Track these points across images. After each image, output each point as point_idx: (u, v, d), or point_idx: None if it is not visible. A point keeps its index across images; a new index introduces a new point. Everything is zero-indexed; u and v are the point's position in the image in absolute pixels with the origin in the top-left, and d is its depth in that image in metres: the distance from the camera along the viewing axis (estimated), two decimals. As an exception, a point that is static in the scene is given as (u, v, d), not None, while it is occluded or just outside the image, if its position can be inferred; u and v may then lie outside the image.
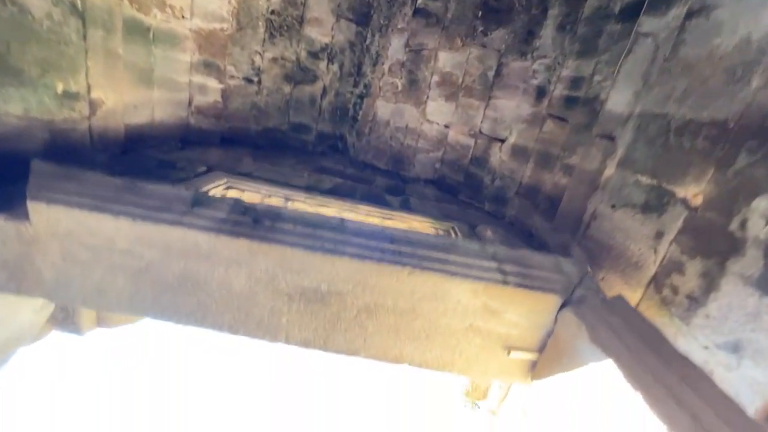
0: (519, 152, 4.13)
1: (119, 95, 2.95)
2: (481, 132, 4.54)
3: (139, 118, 3.25)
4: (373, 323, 1.83)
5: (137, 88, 3.16)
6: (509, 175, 4.23)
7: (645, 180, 2.43)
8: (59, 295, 1.84)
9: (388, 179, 4.96)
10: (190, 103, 3.83)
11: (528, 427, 3.22)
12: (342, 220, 1.91)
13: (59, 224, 1.69)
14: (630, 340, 1.47)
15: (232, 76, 4.10)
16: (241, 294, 1.80)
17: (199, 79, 3.83)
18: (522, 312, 1.77)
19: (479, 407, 8.18)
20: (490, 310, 1.77)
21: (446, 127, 4.81)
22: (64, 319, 3.17)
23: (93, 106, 2.72)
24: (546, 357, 1.82)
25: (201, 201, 1.85)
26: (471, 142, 4.64)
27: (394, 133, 5.13)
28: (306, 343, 1.90)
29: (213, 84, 3.96)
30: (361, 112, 5.02)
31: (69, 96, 2.52)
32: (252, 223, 1.79)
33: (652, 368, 1.32)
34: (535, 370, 1.90)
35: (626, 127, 2.76)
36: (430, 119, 4.90)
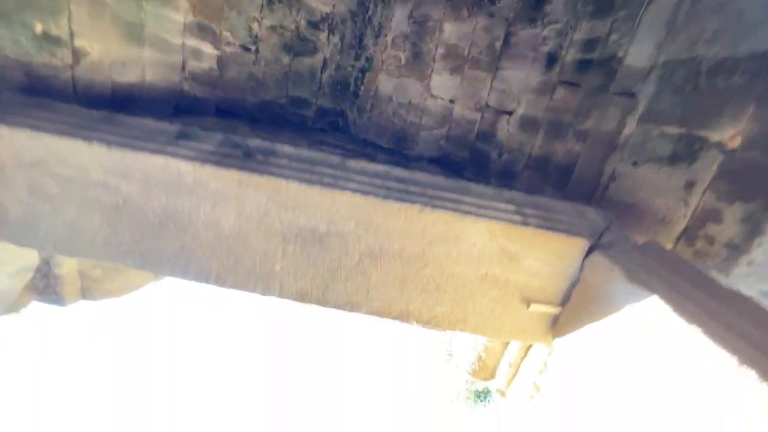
0: (528, 123, 3.94)
1: (106, 48, 2.76)
2: (487, 105, 4.36)
3: (129, 77, 3.07)
4: (377, 271, 1.64)
5: (126, 43, 2.98)
6: (518, 148, 4.04)
7: (672, 130, 2.26)
8: (27, 238, 1.64)
9: (390, 157, 4.78)
10: (183, 68, 3.65)
11: (540, 407, 3.02)
12: (343, 158, 1.72)
13: (25, 151, 1.50)
14: (673, 279, 1.28)
15: (228, 43, 3.92)
16: (230, 235, 1.61)
17: (193, 42, 3.64)
18: (544, 257, 1.58)
19: (483, 401, 7.93)
20: (508, 255, 1.58)
21: (451, 102, 4.63)
22: (45, 287, 2.97)
23: (76, 54, 2.53)
24: (570, 310, 1.63)
25: (187, 134, 1.66)
26: (477, 116, 4.46)
27: (396, 109, 4.95)
28: (302, 296, 1.71)
29: (208, 49, 3.78)
30: (362, 87, 4.84)
31: (49, 39, 2.33)
32: (243, 156, 1.60)
33: (703, 303, 1.14)
34: (556, 326, 1.71)
35: (648, 80, 2.59)
36: (435, 94, 4.72)
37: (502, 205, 1.64)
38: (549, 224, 1.58)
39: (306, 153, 1.72)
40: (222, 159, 1.54)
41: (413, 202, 1.52)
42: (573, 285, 1.62)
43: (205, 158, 1.51)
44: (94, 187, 1.54)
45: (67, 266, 2.90)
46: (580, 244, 1.56)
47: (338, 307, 1.72)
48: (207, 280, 1.70)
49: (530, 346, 2.94)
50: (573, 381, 1.52)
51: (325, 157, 1.72)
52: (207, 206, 1.56)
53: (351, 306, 1.71)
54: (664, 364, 1.07)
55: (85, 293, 3.09)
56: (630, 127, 2.64)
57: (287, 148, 1.73)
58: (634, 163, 2.49)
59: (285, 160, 1.63)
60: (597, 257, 1.51)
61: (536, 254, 1.58)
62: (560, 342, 1.66)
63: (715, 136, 1.96)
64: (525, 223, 1.55)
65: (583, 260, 1.58)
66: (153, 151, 1.48)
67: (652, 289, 1.20)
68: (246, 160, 1.57)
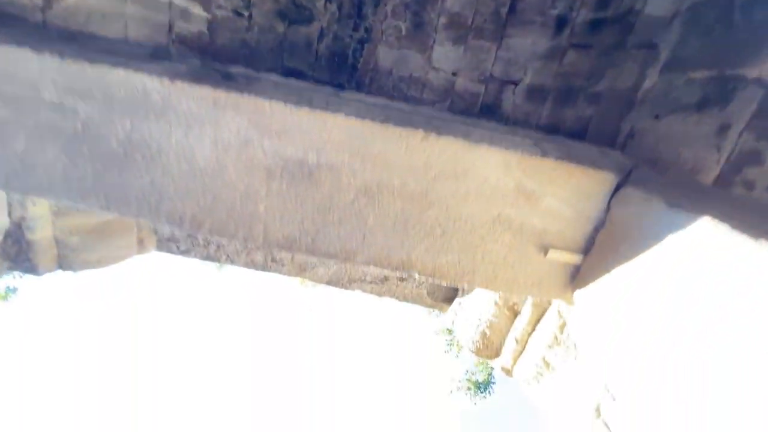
0: (535, 92, 3.74)
1: (83, -6, 2.55)
2: (492, 76, 4.15)
3: (109, 31, 2.85)
4: (374, 212, 1.44)
5: (106, -6, 2.76)
6: (524, 119, 3.84)
7: (700, 75, 2.07)
8: (-26, 172, 1.43)
9: (389, 132, 4.56)
10: (170, 29, 3.43)
11: (548, 389, 2.83)
12: (336, 90, 1.52)
13: (-34, 64, 1.28)
14: (719, 206, 1.09)
15: (219, 6, 3.69)
16: (206, 169, 1.40)
17: (181, 1, 3.42)
18: (565, 195, 1.38)
19: (483, 391, 7.75)
20: (525, 192, 1.38)
21: (454, 74, 4.41)
22: (18, 254, 2.76)
23: (48, -4, 2.31)
24: (594, 257, 1.43)
25: (161, 55, 1.46)
26: (481, 88, 4.25)
27: (396, 83, 4.74)
28: (289, 243, 1.50)
29: (197, 11, 3.56)
30: (361, 60, 4.63)
31: (15, -26, 2.12)
32: (221, 78, 1.39)
33: (760, 225, 0.94)
34: (577, 279, 1.51)
35: (671, 28, 2.39)
36: (436, 66, 4.51)
37: (518, 139, 1.44)
38: (572, 157, 1.38)
39: (295, 82, 1.52)
40: (196, 77, 1.33)
41: (416, 126, 1.32)
42: (597, 229, 1.42)
43: (176, 74, 1.31)
44: (47, 109, 1.33)
45: (40, 232, 2.68)
46: (607, 180, 1.36)
47: (330, 256, 1.52)
48: (181, 224, 1.49)
49: (539, 319, 2.74)
50: (600, 327, 1.32)
51: (317, 88, 1.51)
52: (179, 132, 1.35)
53: (345, 254, 1.51)
54: (720, 286, 0.88)
55: (62, 263, 2.87)
56: (650, 80, 2.45)
57: (274, 77, 1.52)
58: (656, 117, 2.29)
59: (270, 85, 1.43)
60: (628, 190, 1.31)
61: (556, 191, 1.38)
62: (581, 293, 1.46)
63: (753, 72, 1.77)
64: (545, 154, 1.35)
65: (611, 199, 1.38)
66: (114, 65, 1.28)
67: (700, 212, 1.00)
68: (225, 80, 1.37)
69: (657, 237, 1.11)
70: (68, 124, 1.35)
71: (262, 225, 1.48)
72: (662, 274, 1.06)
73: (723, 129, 1.80)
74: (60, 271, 2.90)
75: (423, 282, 3.56)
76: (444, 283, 1.54)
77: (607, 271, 1.32)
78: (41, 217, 2.64)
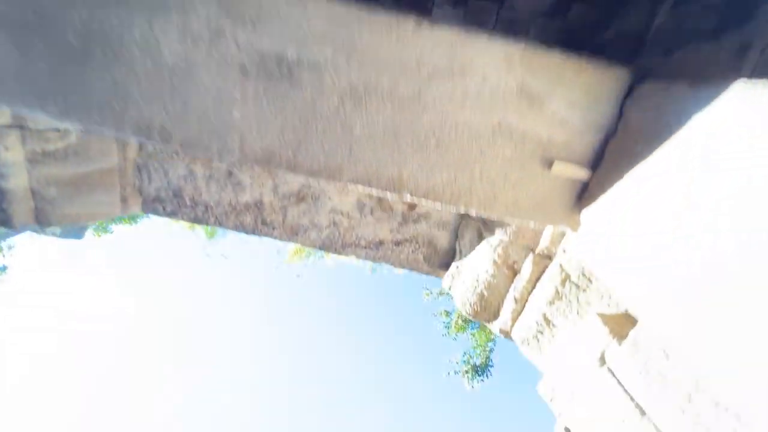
0: (538, 50, 3.58)
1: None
2: (493, 38, 4.00)
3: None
4: (362, 119, 1.29)
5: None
6: (525, 79, 3.69)
7: (717, -1, 1.91)
8: None
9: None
10: None
11: (548, 347, 2.70)
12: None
13: None
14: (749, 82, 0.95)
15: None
16: (174, 68, 1.26)
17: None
18: (574, 98, 1.24)
19: (480, 375, 7.58)
20: (528, 95, 1.24)
21: (453, 38, 4.27)
22: (-10, 204, 2.62)
23: None
24: (603, 172, 1.29)
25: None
26: (481, 51, 4.10)
27: (394, 48, 4.59)
28: (268, 157, 1.36)
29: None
30: (357, 24, 4.49)
31: None
32: (191, -36, 1.24)
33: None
34: (584, 198, 1.37)
35: (686, -43, 2.23)
36: (435, 30, 4.36)
37: (522, 39, 1.30)
38: (580, 55, 1.24)
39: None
40: (161, -43, 1.19)
41: (407, 14, 1.18)
42: (608, 138, 1.28)
43: (138, -49, 1.16)
44: (-7, -7, 1.19)
45: (14, 180, 2.54)
46: (620, 78, 1.22)
47: (313, 173, 1.38)
48: (149, 135, 1.35)
49: (539, 276, 2.61)
50: (612, 244, 1.18)
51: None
52: (142, 22, 1.20)
53: (330, 171, 1.37)
54: (762, 159, 0.75)
55: (39, 216, 2.74)
56: (662, 16, 2.30)
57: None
58: (668, 53, 2.15)
59: (246, -24, 1.28)
60: (644, 87, 1.17)
61: (564, 93, 1.24)
62: (588, 213, 1.32)
63: (777, -16, 1.61)
64: (551, 49, 1.20)
65: (623, 102, 1.24)
66: (67, -62, 1.13)
67: (728, 82, 0.86)
68: (193, -36, 1.22)
69: (679, 121, 0.97)
70: (17, 11, 1.21)
71: (238, 135, 1.33)
72: (689, 162, 0.92)
73: (743, 49, 1.66)
74: (37, 226, 2.76)
75: (419, 247, 3.43)
76: (438, 207, 1.40)
77: (620, 178, 1.18)
78: (15, 164, 2.50)
